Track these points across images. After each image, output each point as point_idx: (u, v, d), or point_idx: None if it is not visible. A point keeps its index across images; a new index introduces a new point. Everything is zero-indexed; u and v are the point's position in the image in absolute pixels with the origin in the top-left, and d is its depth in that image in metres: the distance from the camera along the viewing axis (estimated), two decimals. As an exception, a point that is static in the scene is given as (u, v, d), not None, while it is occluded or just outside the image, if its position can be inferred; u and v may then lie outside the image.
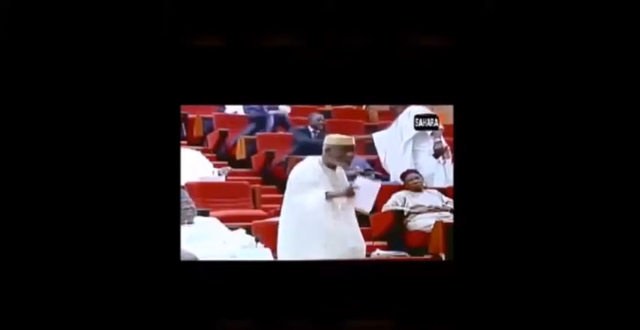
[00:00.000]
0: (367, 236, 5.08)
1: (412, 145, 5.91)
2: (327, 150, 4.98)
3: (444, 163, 5.77)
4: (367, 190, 5.01)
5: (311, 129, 6.29)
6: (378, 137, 6.15)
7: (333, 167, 5.02)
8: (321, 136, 6.31)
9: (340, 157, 4.99)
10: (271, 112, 6.69)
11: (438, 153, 5.78)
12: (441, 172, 5.79)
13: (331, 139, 5.02)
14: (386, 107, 6.58)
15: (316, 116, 6.33)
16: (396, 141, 6.00)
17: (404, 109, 5.90)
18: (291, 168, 5.22)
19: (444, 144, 5.76)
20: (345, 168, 5.05)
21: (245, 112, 6.83)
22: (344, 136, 5.05)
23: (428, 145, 5.84)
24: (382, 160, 6.06)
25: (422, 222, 5.39)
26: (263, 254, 5.00)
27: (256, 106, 6.71)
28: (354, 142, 5.04)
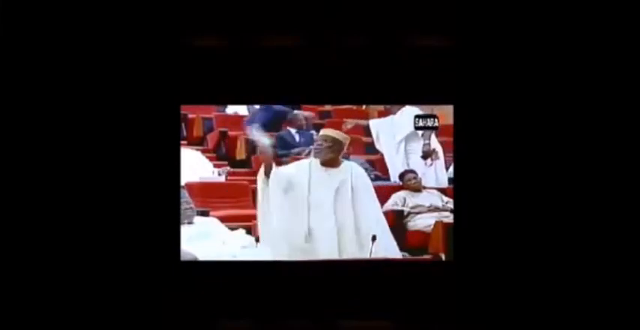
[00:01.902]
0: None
1: (404, 146, 5.93)
2: None
3: (431, 165, 5.79)
4: None
5: (293, 130, 6.27)
6: (374, 122, 6.19)
7: (331, 165, 5.03)
8: (306, 136, 6.33)
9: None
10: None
11: (425, 155, 5.81)
12: (432, 174, 5.81)
13: None
14: (388, 106, 6.59)
15: (299, 115, 6.31)
16: (390, 135, 6.03)
17: (399, 109, 5.92)
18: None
19: (432, 146, 5.77)
20: (317, 157, 5.07)
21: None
22: (326, 129, 5.15)
23: (418, 147, 5.86)
24: (376, 144, 6.11)
25: (422, 222, 5.40)
26: (263, 254, 5.00)
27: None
28: (330, 133, 5.08)
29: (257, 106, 6.62)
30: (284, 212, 4.93)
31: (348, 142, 5.16)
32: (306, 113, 6.64)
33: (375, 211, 5.09)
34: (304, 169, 5.04)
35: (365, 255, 4.94)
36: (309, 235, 4.92)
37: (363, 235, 4.96)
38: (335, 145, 5.07)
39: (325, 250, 4.93)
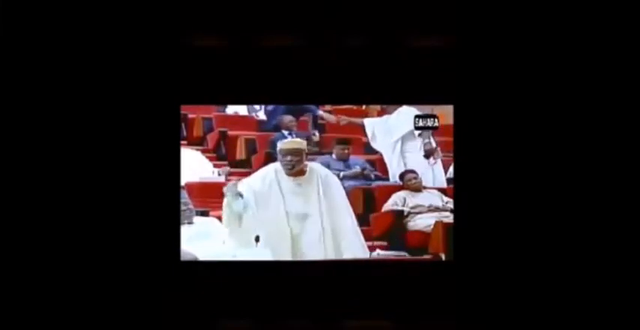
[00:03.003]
0: (367, 236, 5.10)
1: (400, 146, 5.93)
2: None
3: (434, 163, 5.79)
4: None
5: (285, 132, 6.27)
6: (369, 121, 6.18)
7: (298, 174, 5.02)
8: (299, 136, 6.30)
9: (280, 161, 5.02)
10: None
11: (428, 153, 5.80)
12: (430, 173, 5.81)
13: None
14: (384, 106, 6.59)
15: (287, 118, 6.31)
16: (386, 135, 6.03)
17: (395, 109, 5.92)
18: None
19: (434, 144, 5.77)
20: (286, 173, 5.02)
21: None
22: (289, 139, 5.11)
23: (416, 146, 5.85)
24: (372, 143, 6.10)
25: (422, 222, 5.40)
26: (263, 254, 5.00)
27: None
28: (293, 146, 5.06)
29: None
30: (262, 225, 4.93)
31: (305, 145, 5.13)
32: (333, 118, 6.66)
33: (345, 207, 5.07)
34: (271, 178, 5.02)
35: (341, 252, 4.96)
36: (294, 245, 4.93)
37: (338, 233, 4.98)
38: (301, 155, 5.05)
39: (312, 253, 4.95)
